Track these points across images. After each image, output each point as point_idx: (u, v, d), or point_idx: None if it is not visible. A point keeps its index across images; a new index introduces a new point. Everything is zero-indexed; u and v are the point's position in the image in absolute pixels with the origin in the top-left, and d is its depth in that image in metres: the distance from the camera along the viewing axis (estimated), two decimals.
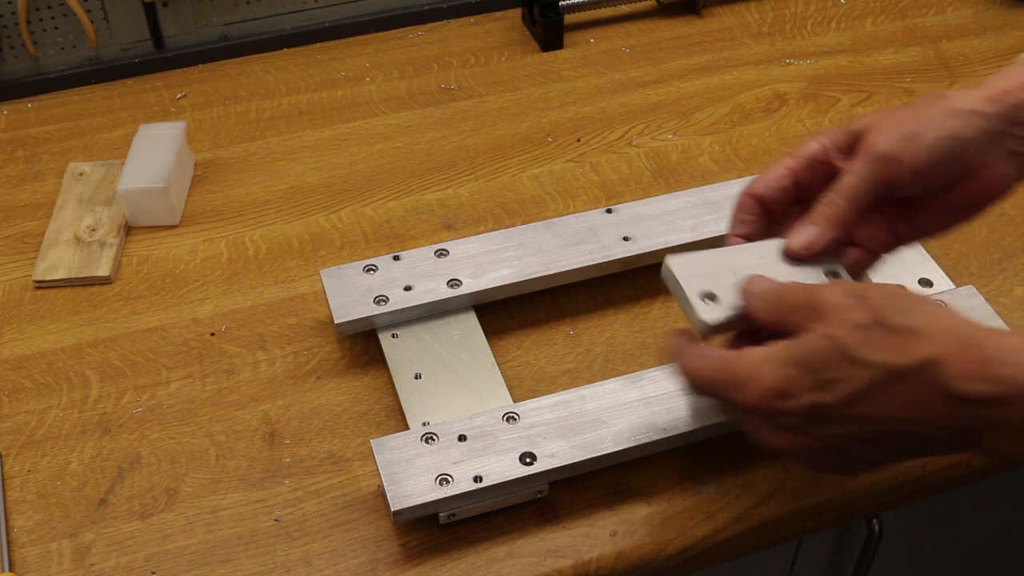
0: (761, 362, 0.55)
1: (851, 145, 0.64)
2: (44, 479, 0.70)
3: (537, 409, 0.69)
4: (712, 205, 0.84)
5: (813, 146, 0.64)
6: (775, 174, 0.65)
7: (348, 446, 0.72)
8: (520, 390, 0.75)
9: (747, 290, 0.60)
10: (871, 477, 0.70)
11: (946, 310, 0.54)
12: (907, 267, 0.79)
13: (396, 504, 0.64)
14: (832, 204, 0.62)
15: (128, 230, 0.89)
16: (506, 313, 0.80)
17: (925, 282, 0.78)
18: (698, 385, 0.59)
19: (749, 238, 0.65)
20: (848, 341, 0.53)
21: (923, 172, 0.62)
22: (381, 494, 0.67)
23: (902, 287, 0.57)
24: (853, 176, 0.62)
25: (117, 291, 0.84)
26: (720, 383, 0.57)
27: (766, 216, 0.65)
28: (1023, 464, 0.54)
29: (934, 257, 0.80)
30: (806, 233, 0.63)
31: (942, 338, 0.52)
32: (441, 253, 0.80)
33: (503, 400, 0.72)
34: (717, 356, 0.58)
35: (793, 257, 0.63)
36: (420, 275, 0.78)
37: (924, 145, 0.61)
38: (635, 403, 0.69)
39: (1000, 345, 0.51)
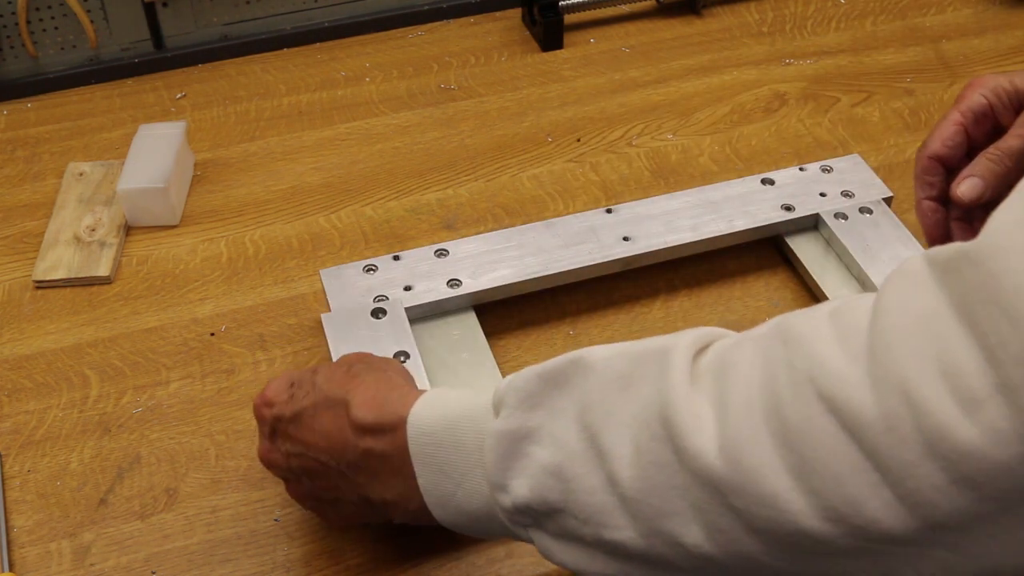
0: (281, 376, 0.62)
1: (1017, 103, 0.66)
2: (44, 479, 0.70)
3: None
4: (712, 205, 0.84)
5: (979, 100, 0.66)
6: (949, 131, 0.66)
7: None
8: None
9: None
10: None
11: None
12: None
13: None
14: (1000, 162, 0.64)
15: (128, 230, 0.89)
16: (506, 313, 0.80)
17: None
18: None
19: (938, 199, 0.67)
20: (319, 370, 0.60)
21: None
22: None
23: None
24: (1020, 140, 0.64)
25: (117, 291, 0.84)
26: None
27: (947, 173, 0.67)
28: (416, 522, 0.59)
29: None
30: (975, 185, 0.64)
31: (368, 384, 0.58)
32: (441, 253, 0.80)
33: None
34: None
35: (960, 204, 0.65)
36: (420, 275, 0.78)
37: None
38: None
39: (400, 393, 0.56)
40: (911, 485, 0.39)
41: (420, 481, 0.53)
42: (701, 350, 0.47)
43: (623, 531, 0.46)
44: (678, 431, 0.44)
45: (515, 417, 0.49)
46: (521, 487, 0.49)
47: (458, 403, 0.53)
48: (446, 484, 0.53)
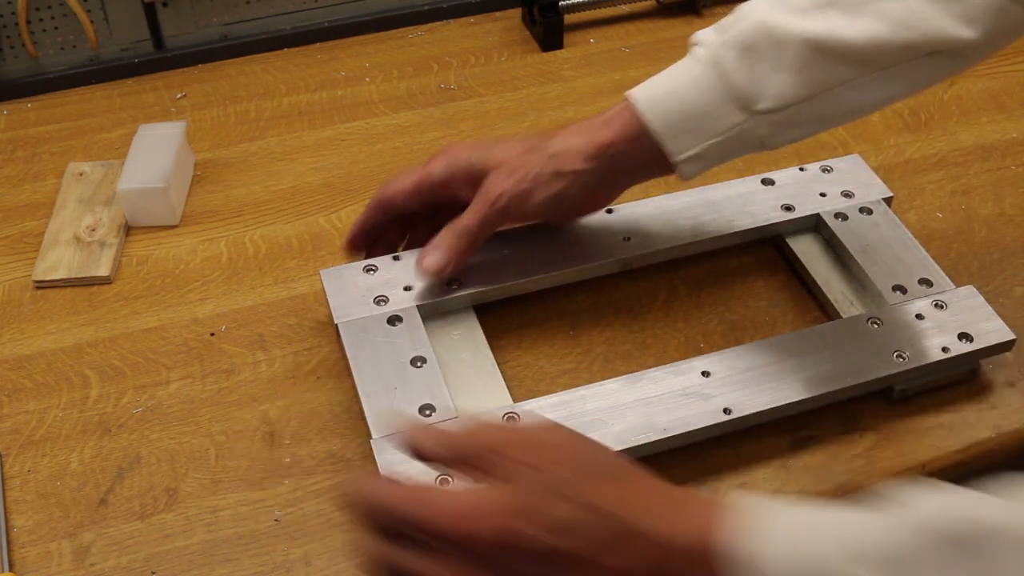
0: (478, 497, 0.51)
1: (473, 178, 0.73)
2: (44, 479, 0.70)
3: (537, 409, 0.69)
4: (712, 205, 0.84)
5: (440, 172, 0.74)
6: (407, 187, 0.75)
7: (348, 446, 0.72)
8: (520, 390, 0.75)
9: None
10: None
11: None
12: (907, 267, 0.79)
13: None
14: (459, 237, 0.73)
15: (128, 230, 0.89)
16: (506, 313, 0.80)
17: (925, 282, 0.78)
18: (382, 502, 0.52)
19: (369, 232, 0.78)
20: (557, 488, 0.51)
21: (532, 218, 0.75)
22: None
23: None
24: (474, 218, 0.72)
25: (117, 291, 0.84)
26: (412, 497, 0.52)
27: (389, 215, 0.77)
28: None
29: (934, 257, 0.80)
30: (439, 258, 0.73)
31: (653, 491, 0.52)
32: None
33: (503, 400, 0.72)
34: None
35: (426, 276, 0.74)
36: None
37: (534, 202, 0.72)
38: (635, 403, 0.69)
39: (707, 512, 0.50)
40: None
41: None
42: None
43: None
44: None
45: None
46: None
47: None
48: None
